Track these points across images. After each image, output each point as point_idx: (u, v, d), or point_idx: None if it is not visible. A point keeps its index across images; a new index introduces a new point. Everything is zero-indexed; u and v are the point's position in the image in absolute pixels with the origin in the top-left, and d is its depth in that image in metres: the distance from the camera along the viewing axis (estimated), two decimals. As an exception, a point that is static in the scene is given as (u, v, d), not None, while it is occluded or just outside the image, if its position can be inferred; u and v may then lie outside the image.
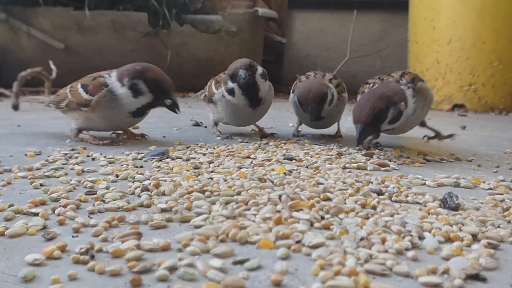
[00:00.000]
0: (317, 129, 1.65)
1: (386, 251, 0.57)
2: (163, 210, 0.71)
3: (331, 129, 1.68)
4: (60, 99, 1.36)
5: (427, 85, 1.32)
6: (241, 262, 0.53)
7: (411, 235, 0.62)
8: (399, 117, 1.18)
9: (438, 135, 1.44)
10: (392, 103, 1.16)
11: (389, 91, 1.18)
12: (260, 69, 1.42)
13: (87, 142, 1.31)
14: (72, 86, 1.35)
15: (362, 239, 0.60)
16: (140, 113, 1.32)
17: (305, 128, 1.75)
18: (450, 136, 1.43)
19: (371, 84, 1.32)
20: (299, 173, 0.97)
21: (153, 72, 1.28)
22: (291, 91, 1.58)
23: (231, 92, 1.41)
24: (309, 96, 1.39)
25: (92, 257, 0.54)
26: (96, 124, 1.32)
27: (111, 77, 1.29)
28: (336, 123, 1.63)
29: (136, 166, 1.01)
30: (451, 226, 0.66)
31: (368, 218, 0.68)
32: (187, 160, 1.09)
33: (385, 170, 1.08)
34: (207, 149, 1.24)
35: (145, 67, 1.29)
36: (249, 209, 0.70)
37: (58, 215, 0.68)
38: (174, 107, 1.28)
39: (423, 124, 1.41)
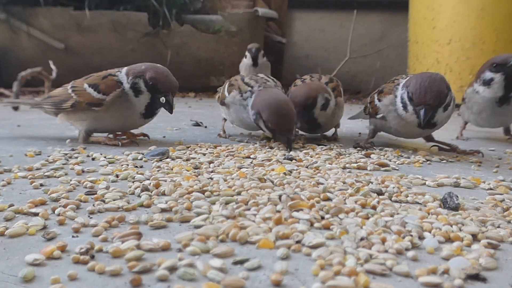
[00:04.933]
0: (311, 133, 1.63)
1: (386, 251, 0.57)
2: (163, 210, 0.71)
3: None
4: (60, 99, 1.32)
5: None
6: (241, 262, 0.53)
7: (411, 235, 0.62)
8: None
9: (454, 149, 1.36)
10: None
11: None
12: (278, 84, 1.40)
13: (102, 144, 1.29)
14: (75, 86, 1.32)
15: (362, 239, 0.60)
16: (149, 113, 1.31)
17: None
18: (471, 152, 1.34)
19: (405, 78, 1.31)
20: (299, 173, 0.97)
21: (153, 71, 1.27)
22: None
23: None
24: (297, 100, 1.36)
25: (92, 257, 0.54)
26: (106, 124, 1.31)
27: (122, 75, 1.29)
28: (334, 129, 1.61)
29: (136, 166, 1.01)
30: (451, 226, 0.66)
31: (368, 218, 0.68)
32: (187, 160, 1.09)
33: (385, 170, 1.08)
34: (207, 149, 1.24)
35: (148, 66, 1.29)
36: (249, 209, 0.70)
37: (58, 215, 0.68)
38: (167, 106, 1.27)
39: (430, 138, 1.39)
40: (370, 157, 1.20)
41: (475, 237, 0.63)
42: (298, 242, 0.59)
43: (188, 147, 1.26)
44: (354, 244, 0.59)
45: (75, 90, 1.31)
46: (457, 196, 0.78)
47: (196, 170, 0.98)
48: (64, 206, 0.71)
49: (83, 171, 0.96)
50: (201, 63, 3.51)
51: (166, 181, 0.85)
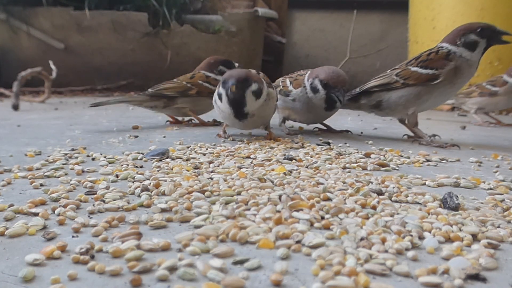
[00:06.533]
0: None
1: (386, 251, 0.57)
2: (163, 210, 0.71)
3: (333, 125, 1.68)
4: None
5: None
6: (241, 262, 0.53)
7: (411, 235, 0.62)
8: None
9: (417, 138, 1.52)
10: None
11: None
12: (254, 86, 1.30)
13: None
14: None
15: (362, 239, 0.60)
16: None
17: (305, 127, 1.75)
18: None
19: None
20: (299, 173, 0.97)
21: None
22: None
23: (220, 96, 1.36)
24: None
25: (92, 257, 0.54)
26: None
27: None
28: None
29: (136, 166, 1.01)
30: (451, 226, 0.66)
31: (368, 218, 0.68)
32: (187, 160, 1.09)
33: (385, 170, 1.08)
34: (207, 149, 1.24)
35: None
36: (249, 209, 0.70)
37: (58, 215, 0.68)
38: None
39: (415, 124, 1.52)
40: (370, 157, 1.20)
41: (475, 237, 0.63)
42: (298, 242, 0.59)
43: (188, 147, 1.26)
44: (354, 244, 0.59)
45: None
46: (457, 196, 0.78)
47: (196, 170, 0.98)
48: (64, 206, 0.71)
49: (83, 171, 0.96)
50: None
51: (166, 181, 0.85)
